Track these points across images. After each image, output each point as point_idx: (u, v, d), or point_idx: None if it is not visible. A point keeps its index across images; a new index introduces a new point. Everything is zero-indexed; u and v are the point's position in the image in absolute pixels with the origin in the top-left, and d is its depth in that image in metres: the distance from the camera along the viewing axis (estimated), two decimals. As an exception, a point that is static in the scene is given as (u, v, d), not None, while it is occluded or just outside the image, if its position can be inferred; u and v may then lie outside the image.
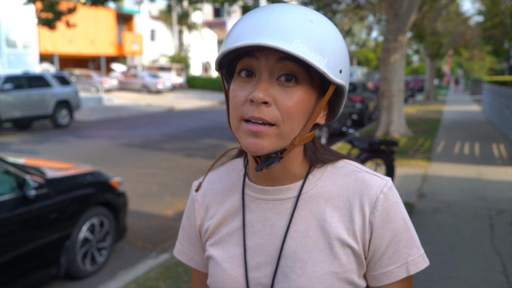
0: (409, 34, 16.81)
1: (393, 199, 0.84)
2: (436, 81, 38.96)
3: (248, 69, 0.79)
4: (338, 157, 0.90)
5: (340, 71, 0.79)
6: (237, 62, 0.81)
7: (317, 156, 0.87)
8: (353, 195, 0.84)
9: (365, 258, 0.84)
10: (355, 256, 0.83)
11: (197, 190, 0.96)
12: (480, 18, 26.60)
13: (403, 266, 0.83)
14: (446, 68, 51.40)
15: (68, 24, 12.34)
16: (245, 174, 0.94)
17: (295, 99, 0.77)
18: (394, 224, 0.82)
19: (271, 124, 0.77)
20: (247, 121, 0.78)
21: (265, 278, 0.86)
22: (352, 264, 0.82)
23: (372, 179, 0.85)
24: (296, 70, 0.77)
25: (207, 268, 0.99)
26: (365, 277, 0.85)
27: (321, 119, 0.84)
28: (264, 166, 0.81)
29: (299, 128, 0.80)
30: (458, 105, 24.35)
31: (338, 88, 0.83)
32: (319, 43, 0.75)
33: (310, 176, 0.87)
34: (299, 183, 0.87)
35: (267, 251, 0.87)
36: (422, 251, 0.85)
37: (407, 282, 0.85)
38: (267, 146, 0.78)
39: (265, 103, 0.76)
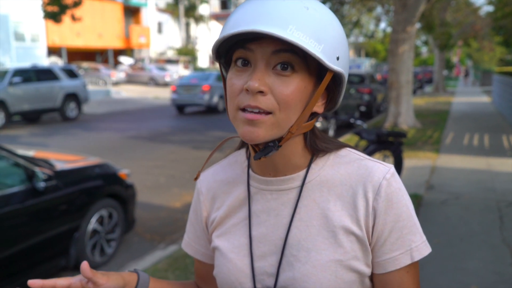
0: (417, 25, 16.64)
1: (396, 186, 0.83)
2: (445, 72, 38.56)
3: (244, 58, 0.79)
4: (339, 145, 0.89)
5: (338, 58, 0.78)
6: (233, 51, 0.80)
7: (317, 145, 0.87)
8: (356, 182, 0.84)
9: (370, 245, 0.83)
10: (359, 243, 0.82)
11: (196, 178, 0.97)
12: (490, 8, 26.29)
13: (407, 253, 0.82)
14: (455, 59, 50.88)
15: (73, 18, 12.36)
16: (248, 165, 0.94)
17: (291, 87, 0.77)
18: (397, 210, 0.82)
19: (267, 113, 0.77)
20: (244, 110, 0.78)
21: (270, 267, 0.86)
22: (356, 252, 0.82)
23: (375, 166, 0.85)
24: (292, 60, 0.76)
25: (212, 260, 1.00)
26: (371, 265, 0.85)
27: (319, 108, 0.84)
28: (262, 154, 0.81)
29: (296, 116, 0.79)
30: (468, 97, 24.14)
31: (337, 76, 0.82)
32: (315, 29, 0.75)
33: (312, 165, 0.87)
34: (302, 172, 0.87)
35: (272, 241, 0.87)
36: (424, 237, 0.85)
37: (412, 270, 0.84)
38: (263, 134, 0.78)
39: (261, 92, 0.76)
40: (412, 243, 0.82)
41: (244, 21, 0.75)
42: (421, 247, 0.83)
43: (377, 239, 0.82)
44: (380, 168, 0.84)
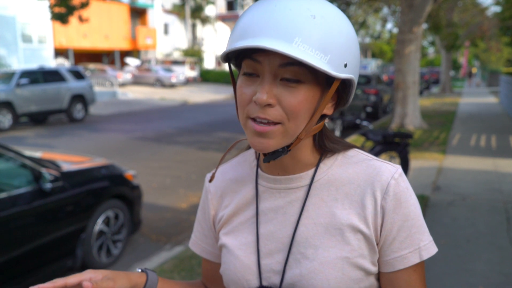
0: (424, 26, 16.57)
1: (404, 185, 0.84)
2: (452, 73, 38.30)
3: (252, 72, 0.79)
4: (347, 146, 0.91)
5: (345, 65, 0.78)
6: (243, 57, 0.80)
7: (326, 145, 0.88)
8: (364, 181, 0.85)
9: (377, 244, 0.84)
10: (366, 241, 0.83)
11: (210, 180, 0.98)
12: (497, 9, 26.09)
13: (416, 251, 0.83)
14: (462, 59, 50.57)
15: (81, 19, 12.40)
16: (257, 165, 0.95)
17: (299, 98, 0.77)
18: (406, 209, 0.83)
19: (276, 123, 0.78)
20: (253, 119, 0.79)
21: (277, 265, 0.87)
22: (363, 250, 0.83)
23: (382, 166, 0.86)
24: (300, 72, 0.76)
25: (219, 259, 1.01)
26: (377, 263, 0.86)
27: (328, 110, 0.85)
28: (272, 158, 0.83)
29: (304, 124, 0.80)
30: (475, 97, 24.02)
31: (346, 80, 0.82)
32: (321, 40, 0.74)
33: (321, 165, 0.89)
34: (310, 171, 0.88)
35: (279, 238, 0.88)
36: (431, 237, 0.86)
37: (419, 269, 0.85)
38: (273, 144, 0.80)
39: (269, 104, 0.77)
40: (420, 242, 0.83)
41: (251, 32, 0.75)
42: (429, 246, 0.84)
43: (386, 238, 0.83)
44: (388, 168, 0.85)
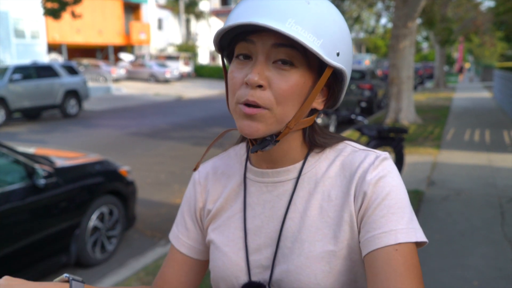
0: (418, 21, 16.59)
1: (385, 168, 0.81)
2: (446, 68, 38.31)
3: (245, 53, 0.79)
4: (338, 140, 0.89)
5: (338, 54, 0.77)
6: (235, 44, 0.80)
7: (316, 141, 0.87)
8: (350, 172, 0.83)
9: (357, 228, 0.80)
10: (352, 232, 0.80)
11: (195, 169, 0.97)
12: (491, 3, 26.19)
13: (391, 233, 0.74)
14: (456, 54, 50.64)
15: (73, 15, 12.30)
16: (247, 158, 0.94)
17: (290, 82, 0.77)
18: (384, 189, 0.78)
19: (265, 108, 0.77)
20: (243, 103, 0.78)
21: (265, 260, 0.86)
22: (350, 241, 0.80)
23: (368, 154, 0.84)
24: (293, 55, 0.76)
25: (197, 255, 0.98)
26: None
27: (318, 105, 0.83)
28: (259, 148, 0.81)
29: (294, 111, 0.79)
30: (469, 92, 24.10)
31: (338, 73, 0.81)
32: (314, 24, 0.74)
33: (309, 158, 0.87)
34: (298, 165, 0.87)
35: (267, 233, 0.87)
36: (415, 226, 0.77)
37: (402, 248, 0.74)
38: (262, 129, 0.78)
39: (260, 86, 0.76)
40: (398, 225, 0.75)
41: (245, 14, 0.75)
42: (408, 231, 0.75)
43: (362, 218, 0.79)
44: (373, 154, 0.83)
